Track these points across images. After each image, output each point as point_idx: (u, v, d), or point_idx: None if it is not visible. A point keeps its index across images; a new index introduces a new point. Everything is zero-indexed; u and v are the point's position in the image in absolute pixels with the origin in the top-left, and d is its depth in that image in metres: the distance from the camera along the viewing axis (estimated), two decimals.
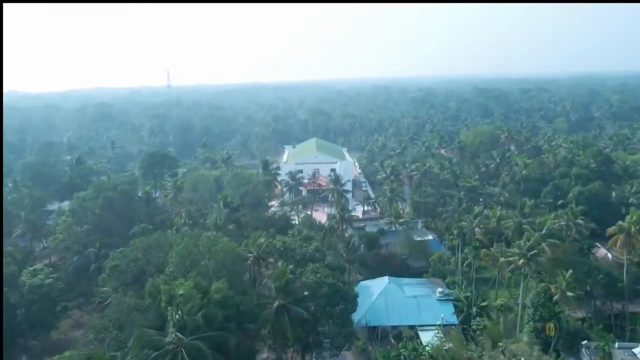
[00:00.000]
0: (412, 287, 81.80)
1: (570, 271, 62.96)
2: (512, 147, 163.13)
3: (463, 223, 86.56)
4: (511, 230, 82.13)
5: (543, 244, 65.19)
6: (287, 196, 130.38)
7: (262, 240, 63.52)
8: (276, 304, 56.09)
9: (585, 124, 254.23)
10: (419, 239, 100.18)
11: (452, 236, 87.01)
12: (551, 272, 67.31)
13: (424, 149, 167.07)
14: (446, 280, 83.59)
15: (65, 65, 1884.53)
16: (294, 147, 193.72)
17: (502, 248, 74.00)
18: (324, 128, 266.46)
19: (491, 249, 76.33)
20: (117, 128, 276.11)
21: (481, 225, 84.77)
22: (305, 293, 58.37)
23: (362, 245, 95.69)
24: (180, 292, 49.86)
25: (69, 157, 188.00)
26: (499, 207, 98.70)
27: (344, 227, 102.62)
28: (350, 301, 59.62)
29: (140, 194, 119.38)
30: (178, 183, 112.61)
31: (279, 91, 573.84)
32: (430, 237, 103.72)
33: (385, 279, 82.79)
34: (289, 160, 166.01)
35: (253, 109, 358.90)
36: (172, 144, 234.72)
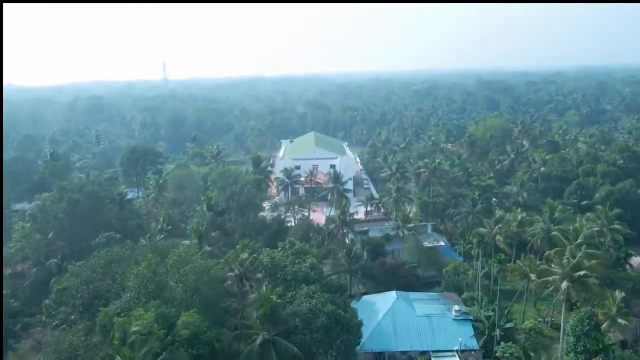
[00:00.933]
0: (423, 304, 70.68)
1: (622, 293, 51.70)
2: (525, 142, 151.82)
3: (482, 229, 75.33)
4: (539, 239, 70.85)
5: (587, 261, 53.59)
6: (282, 195, 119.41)
7: (245, 255, 52.14)
8: (260, 337, 44.99)
9: (597, 117, 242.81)
10: (429, 244, 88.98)
11: (470, 245, 75.64)
12: (593, 290, 56.04)
13: (430, 143, 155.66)
14: (462, 296, 72.50)
15: (63, 59, 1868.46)
16: (291, 141, 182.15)
17: (531, 260, 62.84)
18: (324, 121, 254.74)
19: (518, 261, 65.10)
20: (108, 121, 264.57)
21: (503, 232, 73.58)
22: (297, 320, 47.25)
23: (365, 253, 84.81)
24: (135, 328, 38.80)
25: (52, 152, 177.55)
26: (519, 209, 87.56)
27: (345, 231, 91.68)
28: (354, 332, 48.53)
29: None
30: (160, 182, 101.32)
31: (278, 84, 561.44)
32: (442, 243, 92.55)
33: (393, 294, 71.68)
34: (285, 155, 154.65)
35: (250, 102, 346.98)
36: (164, 137, 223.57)
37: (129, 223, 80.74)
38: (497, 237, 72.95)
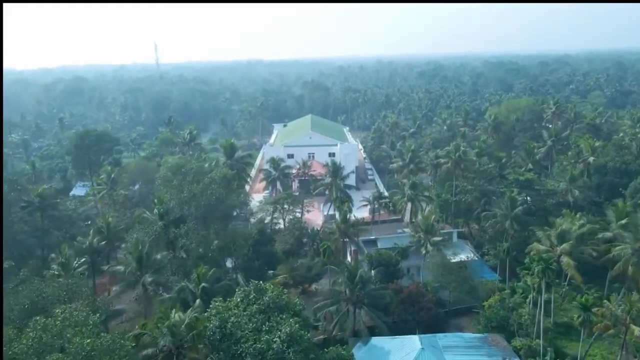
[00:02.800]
0: (460, 357, 49.49)
1: None
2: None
3: (540, 246, 53.70)
4: (630, 263, 49.30)
5: None
6: (269, 191, 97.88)
7: (177, 316, 30.54)
8: None
9: (623, 99, 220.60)
10: (458, 259, 67.38)
11: (525, 269, 53.76)
12: None
13: (445, 127, 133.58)
14: (513, 343, 51.31)
15: (59, 42, 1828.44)
16: (285, 125, 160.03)
17: (632, 303, 41.33)
18: (323, 104, 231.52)
19: (606, 303, 43.52)
20: (88, 104, 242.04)
21: (569, 250, 51.96)
22: None
23: (374, 272, 63.53)
24: None
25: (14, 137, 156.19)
26: (578, 214, 66.01)
27: (345, 240, 70.17)
28: None
29: (72, 193, 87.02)
30: (113, 176, 79.67)
31: (275, 67, 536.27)
32: (475, 257, 71.19)
33: (415, 341, 50.52)
34: (276, 142, 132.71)
35: (245, 84, 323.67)
36: (145, 122, 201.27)
37: (53, 236, 59.06)
38: (564, 258, 51.29)
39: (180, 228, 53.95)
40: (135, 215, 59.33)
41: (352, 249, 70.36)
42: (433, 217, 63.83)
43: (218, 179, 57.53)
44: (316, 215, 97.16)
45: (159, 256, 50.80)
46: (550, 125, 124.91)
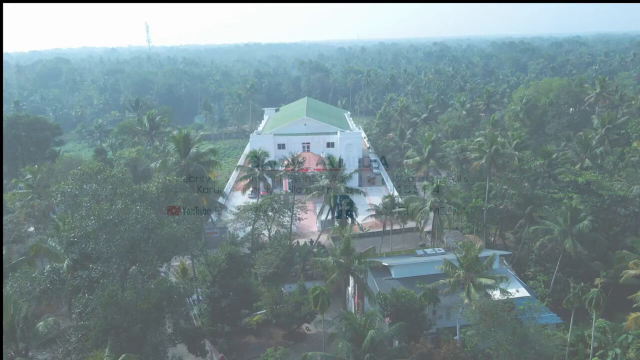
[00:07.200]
0: None
1: None
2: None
3: None
4: None
5: None
6: (251, 193, 78.23)
7: None
8: None
9: None
10: (505, 296, 47.14)
11: None
12: None
13: (464, 112, 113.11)
14: None
15: (56, 25, 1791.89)
16: (277, 110, 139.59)
17: None
18: (321, 87, 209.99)
19: None
20: (62, 87, 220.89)
21: None
22: None
23: (387, 321, 44.09)
24: None
25: None
26: None
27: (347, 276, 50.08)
28: None
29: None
30: (39, 177, 59.87)
31: (274, 50, 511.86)
32: (527, 293, 51.48)
33: None
34: (265, 129, 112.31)
35: (238, 67, 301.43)
36: (123, 106, 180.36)
37: None
38: None
39: (90, 270, 34.17)
40: (31, 246, 39.37)
41: (356, 284, 50.36)
42: (479, 245, 43.74)
43: (156, 192, 37.43)
44: (311, 220, 78.11)
45: (48, 322, 31.12)
46: (596, 110, 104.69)
